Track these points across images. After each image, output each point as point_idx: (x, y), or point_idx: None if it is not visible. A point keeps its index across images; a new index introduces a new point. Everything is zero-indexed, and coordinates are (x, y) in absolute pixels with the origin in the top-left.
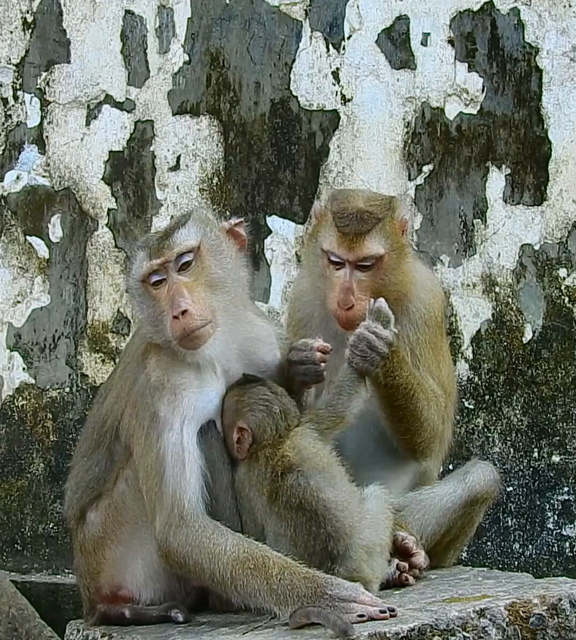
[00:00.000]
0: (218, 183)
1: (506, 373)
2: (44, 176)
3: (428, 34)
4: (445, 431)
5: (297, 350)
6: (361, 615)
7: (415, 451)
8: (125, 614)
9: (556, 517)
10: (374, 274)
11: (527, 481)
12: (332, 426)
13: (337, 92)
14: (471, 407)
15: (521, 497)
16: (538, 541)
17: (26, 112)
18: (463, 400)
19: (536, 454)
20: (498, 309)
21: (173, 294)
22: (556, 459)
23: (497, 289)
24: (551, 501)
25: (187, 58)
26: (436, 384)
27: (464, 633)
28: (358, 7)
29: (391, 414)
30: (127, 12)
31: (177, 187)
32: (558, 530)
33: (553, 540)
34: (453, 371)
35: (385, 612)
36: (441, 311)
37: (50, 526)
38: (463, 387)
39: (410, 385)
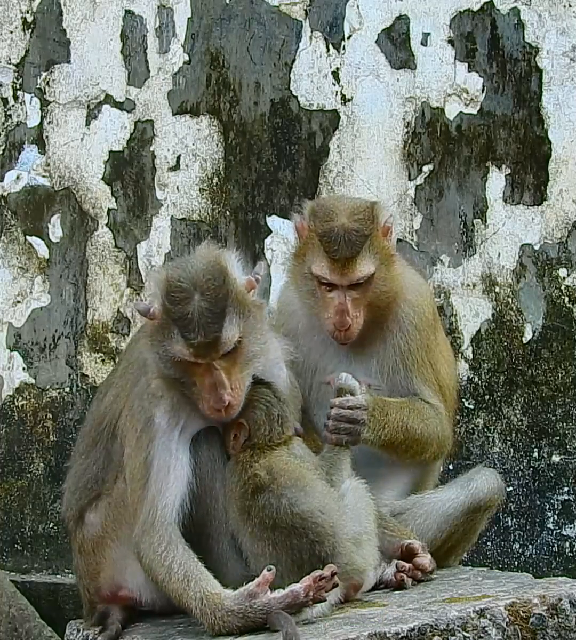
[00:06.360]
0: (218, 183)
1: (506, 373)
2: (44, 176)
3: (428, 34)
4: (449, 434)
5: None
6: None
7: (421, 462)
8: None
9: (556, 517)
10: (366, 289)
11: (527, 481)
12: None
13: (337, 92)
14: (471, 407)
15: (521, 497)
16: (538, 541)
17: (26, 112)
18: (463, 400)
19: (536, 454)
20: (498, 309)
21: (215, 384)
22: (556, 459)
23: (497, 289)
24: (551, 501)
25: (187, 58)
26: (433, 392)
27: (464, 633)
28: (358, 7)
29: (393, 452)
30: (127, 12)
31: (177, 187)
32: (558, 530)
33: (553, 540)
34: (454, 364)
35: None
36: (431, 309)
37: (50, 526)
38: (463, 387)
39: (403, 422)
